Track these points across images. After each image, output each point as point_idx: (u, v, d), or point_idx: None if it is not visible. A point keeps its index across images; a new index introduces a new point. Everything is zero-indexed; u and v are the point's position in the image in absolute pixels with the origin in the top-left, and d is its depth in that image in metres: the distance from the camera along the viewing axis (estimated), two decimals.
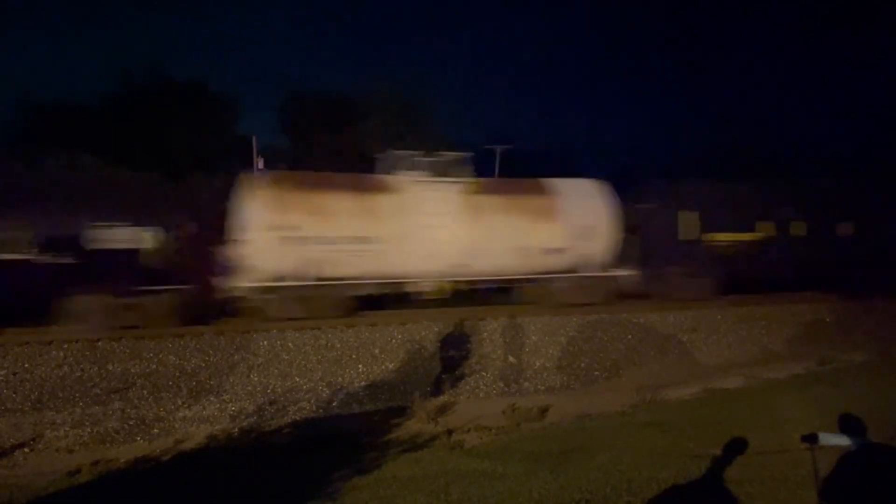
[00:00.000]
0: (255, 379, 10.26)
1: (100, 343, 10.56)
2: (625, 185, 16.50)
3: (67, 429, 8.66)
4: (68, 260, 11.12)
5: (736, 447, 4.24)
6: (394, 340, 11.72)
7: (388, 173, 14.21)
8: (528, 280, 14.62)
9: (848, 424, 3.15)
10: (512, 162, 30.37)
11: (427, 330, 12.21)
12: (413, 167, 14.29)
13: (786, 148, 37.15)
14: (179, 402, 9.51)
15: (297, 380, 10.39)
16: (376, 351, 11.37)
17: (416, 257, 13.29)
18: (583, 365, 12.01)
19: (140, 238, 11.94)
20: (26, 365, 9.78)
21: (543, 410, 9.60)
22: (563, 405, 9.91)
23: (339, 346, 11.37)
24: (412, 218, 13.31)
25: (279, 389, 10.07)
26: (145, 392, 9.62)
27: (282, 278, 12.39)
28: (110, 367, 10.01)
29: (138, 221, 11.99)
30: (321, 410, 9.65)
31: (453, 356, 11.54)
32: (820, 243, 17.44)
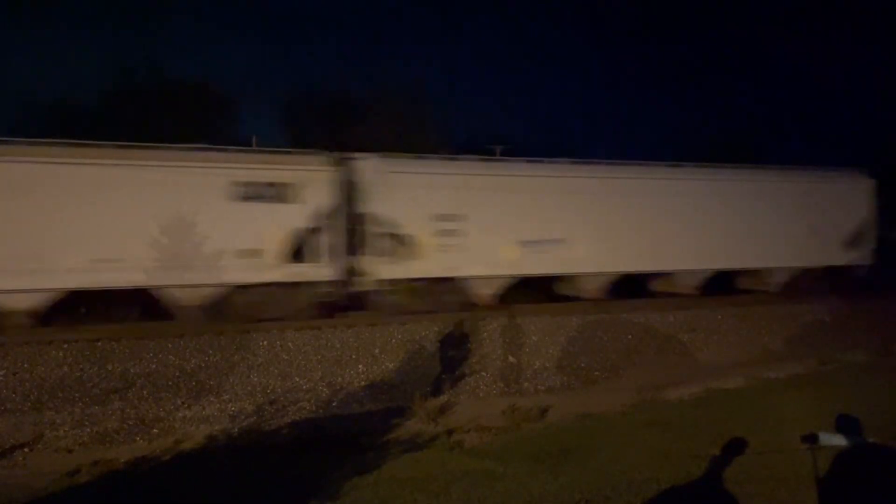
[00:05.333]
0: (255, 379, 10.26)
1: (100, 343, 10.55)
2: None
3: (67, 429, 8.66)
4: None
5: (736, 447, 4.23)
6: (394, 340, 11.72)
7: None
8: None
9: (845, 424, 3.16)
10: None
11: (427, 330, 12.20)
12: None
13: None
14: (179, 402, 9.51)
15: (297, 380, 10.39)
16: (376, 351, 11.37)
17: None
18: (583, 365, 12.01)
19: None
20: (26, 365, 9.77)
21: (543, 410, 9.59)
22: (563, 405, 9.91)
23: (339, 346, 11.36)
24: None
25: (279, 389, 10.07)
26: (145, 392, 9.62)
27: None
28: (110, 367, 10.01)
29: None
30: (321, 410, 9.65)
31: (453, 356, 11.54)
32: None
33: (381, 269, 13.21)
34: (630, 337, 13.12)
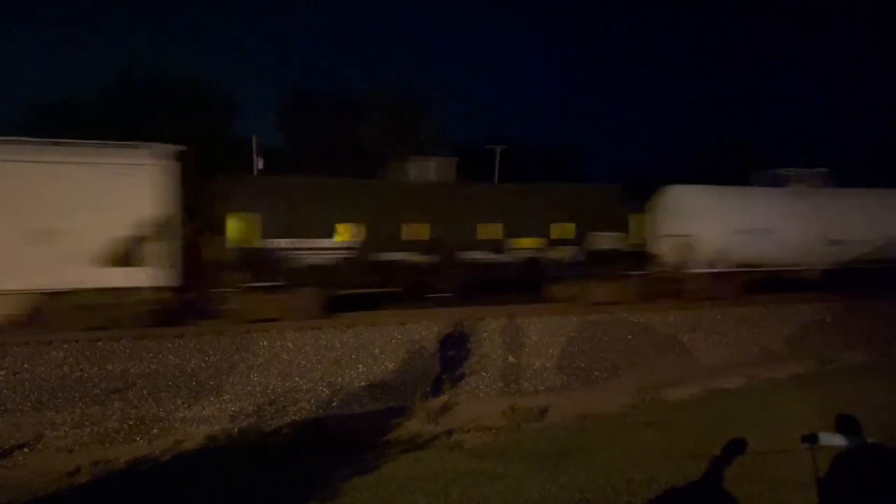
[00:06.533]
0: (255, 379, 10.26)
1: (100, 343, 10.55)
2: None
3: (67, 429, 8.66)
4: None
5: (736, 447, 4.24)
6: (394, 340, 11.73)
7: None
8: None
9: (845, 424, 3.16)
10: (512, 161, 30.43)
11: (427, 330, 12.21)
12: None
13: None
14: (179, 402, 9.51)
15: (297, 380, 10.39)
16: (376, 351, 11.37)
17: None
18: (583, 365, 12.01)
19: None
20: (26, 365, 9.78)
21: (543, 410, 9.60)
22: (563, 405, 9.91)
23: (339, 346, 11.37)
24: None
25: (279, 389, 10.07)
26: (145, 392, 9.62)
27: None
28: (110, 367, 10.01)
29: None
30: (321, 410, 9.65)
31: (453, 356, 11.54)
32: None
33: None
34: (630, 337, 13.12)
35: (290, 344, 11.19)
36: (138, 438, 8.59)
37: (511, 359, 11.78)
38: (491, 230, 14.08)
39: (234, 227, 12.42)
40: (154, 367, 10.20)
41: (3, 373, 9.56)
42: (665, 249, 15.88)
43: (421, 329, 12.22)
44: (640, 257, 15.49)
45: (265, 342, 11.14)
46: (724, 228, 15.74)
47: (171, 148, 12.13)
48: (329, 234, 13.02)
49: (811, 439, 3.03)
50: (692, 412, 8.78)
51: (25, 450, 8.13)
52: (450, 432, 8.61)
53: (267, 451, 7.94)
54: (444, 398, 10.21)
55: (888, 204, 17.92)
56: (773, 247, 16.13)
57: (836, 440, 3.02)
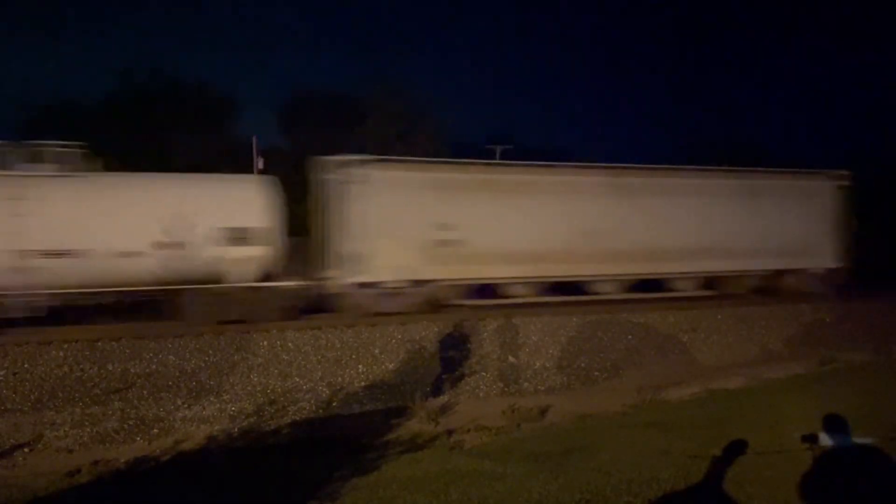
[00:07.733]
0: (255, 379, 10.25)
1: (100, 343, 10.54)
2: None
3: (67, 429, 8.66)
4: None
5: (736, 447, 4.23)
6: (394, 340, 11.72)
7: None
8: None
9: (843, 425, 3.14)
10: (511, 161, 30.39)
11: (427, 330, 12.20)
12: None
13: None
14: (179, 402, 9.51)
15: (297, 380, 10.39)
16: (376, 351, 11.37)
17: None
18: (583, 365, 12.00)
19: None
20: (26, 365, 9.77)
21: (543, 410, 9.59)
22: (563, 405, 9.91)
23: (339, 346, 11.36)
24: None
25: (279, 389, 10.07)
26: (145, 392, 9.62)
27: None
28: (110, 367, 10.00)
29: None
30: (321, 411, 9.65)
31: (453, 356, 11.53)
32: None
33: None
34: (630, 337, 13.11)
35: (290, 344, 11.18)
36: (138, 438, 8.59)
37: (511, 359, 11.77)
38: None
39: None
40: (154, 367, 10.18)
41: (2, 373, 9.56)
42: None
43: (421, 329, 12.21)
44: None
45: (265, 342, 11.13)
46: None
47: None
48: None
49: (811, 439, 3.02)
50: (692, 412, 8.78)
51: (25, 450, 8.12)
52: (450, 432, 8.61)
53: (267, 451, 7.93)
54: (444, 398, 10.21)
55: (167, 193, 11.85)
56: None
57: (836, 440, 3.01)
